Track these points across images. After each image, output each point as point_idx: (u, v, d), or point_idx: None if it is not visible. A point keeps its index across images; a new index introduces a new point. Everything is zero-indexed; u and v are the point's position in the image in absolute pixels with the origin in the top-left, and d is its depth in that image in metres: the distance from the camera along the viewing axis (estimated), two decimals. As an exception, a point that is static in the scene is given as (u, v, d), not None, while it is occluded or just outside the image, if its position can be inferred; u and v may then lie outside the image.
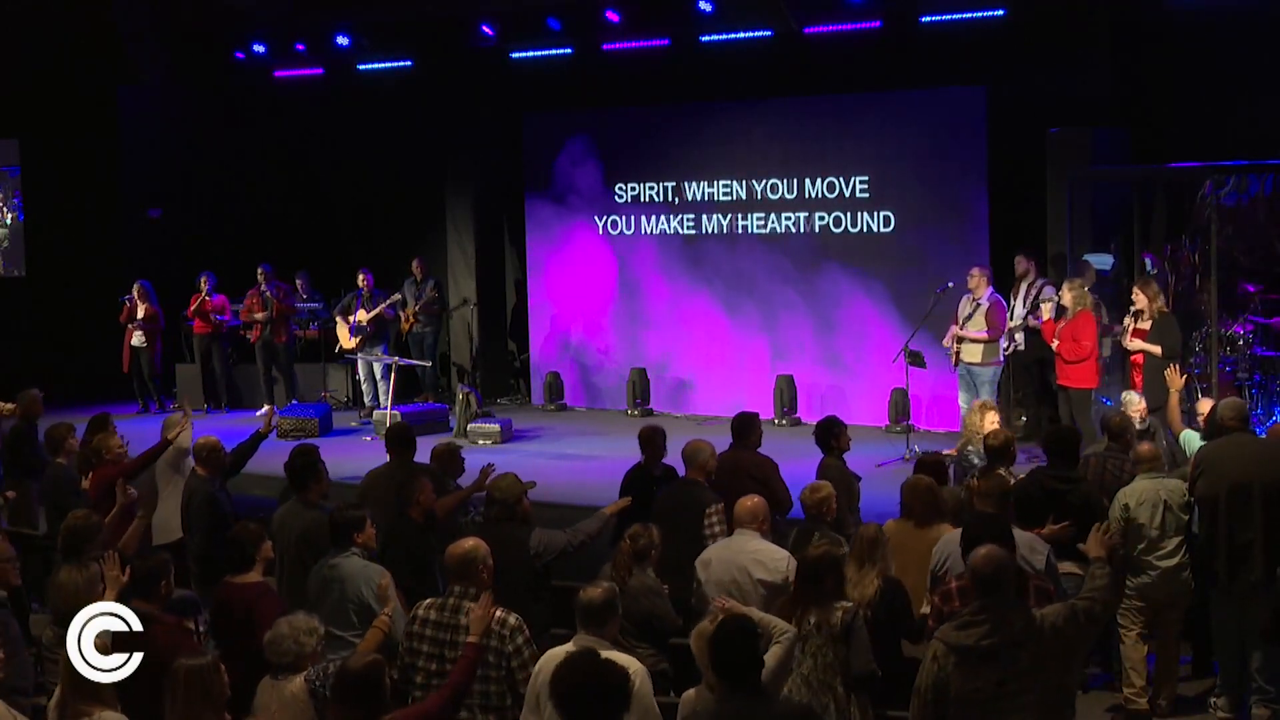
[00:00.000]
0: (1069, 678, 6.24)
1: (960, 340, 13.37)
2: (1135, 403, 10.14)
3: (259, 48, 18.18)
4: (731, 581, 7.47)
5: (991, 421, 9.81)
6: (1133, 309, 11.94)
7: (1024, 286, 13.59)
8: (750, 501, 7.76)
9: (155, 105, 19.12)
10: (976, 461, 9.54)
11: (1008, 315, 13.54)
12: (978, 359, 13.34)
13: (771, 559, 7.49)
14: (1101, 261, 13.58)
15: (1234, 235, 12.83)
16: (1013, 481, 8.76)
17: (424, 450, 9.81)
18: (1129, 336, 11.88)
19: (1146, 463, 8.51)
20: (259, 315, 16.88)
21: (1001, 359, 13.49)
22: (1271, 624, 7.62)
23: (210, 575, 8.51)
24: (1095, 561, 6.33)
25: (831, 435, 9.50)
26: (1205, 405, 9.95)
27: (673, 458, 9.25)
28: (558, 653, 6.07)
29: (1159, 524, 8.32)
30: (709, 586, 7.56)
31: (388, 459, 9.66)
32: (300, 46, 18.03)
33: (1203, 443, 9.03)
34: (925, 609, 7.25)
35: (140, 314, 17.11)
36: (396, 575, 7.33)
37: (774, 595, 7.30)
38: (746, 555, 7.52)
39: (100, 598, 6.78)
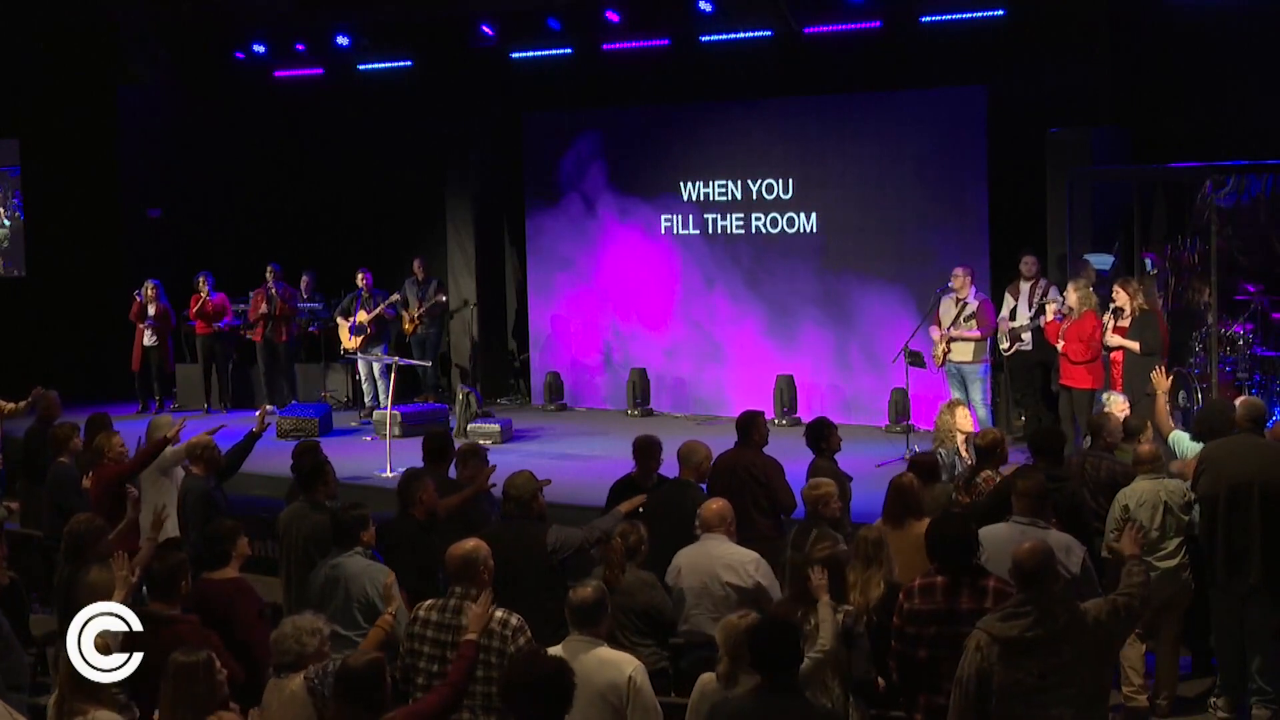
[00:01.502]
0: (1106, 672, 6.29)
1: (950, 340, 13.39)
2: (1118, 402, 10.13)
3: (259, 48, 18.18)
4: (702, 587, 7.49)
5: (963, 418, 9.79)
6: (1113, 306, 11.99)
7: (1027, 287, 13.57)
8: (716, 504, 7.77)
9: (155, 105, 19.11)
10: (947, 460, 9.53)
11: (1007, 315, 13.55)
12: (968, 357, 13.39)
13: (740, 563, 7.51)
14: (1101, 261, 13.58)
15: (1234, 235, 12.83)
16: (995, 483, 8.79)
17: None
18: (1109, 333, 11.91)
19: (1147, 463, 8.50)
20: (262, 309, 16.88)
21: (988, 357, 13.52)
22: None
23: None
24: (1130, 559, 6.40)
25: (822, 437, 9.48)
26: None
27: (669, 459, 9.22)
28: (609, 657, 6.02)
29: (1159, 525, 8.31)
30: (681, 593, 7.56)
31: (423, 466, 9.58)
32: (300, 46, 18.03)
33: (1193, 443, 9.05)
34: None
35: (152, 312, 17.12)
36: (400, 575, 7.33)
37: (744, 599, 7.32)
38: (715, 560, 7.53)
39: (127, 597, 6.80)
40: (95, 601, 6.76)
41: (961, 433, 9.75)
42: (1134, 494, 8.39)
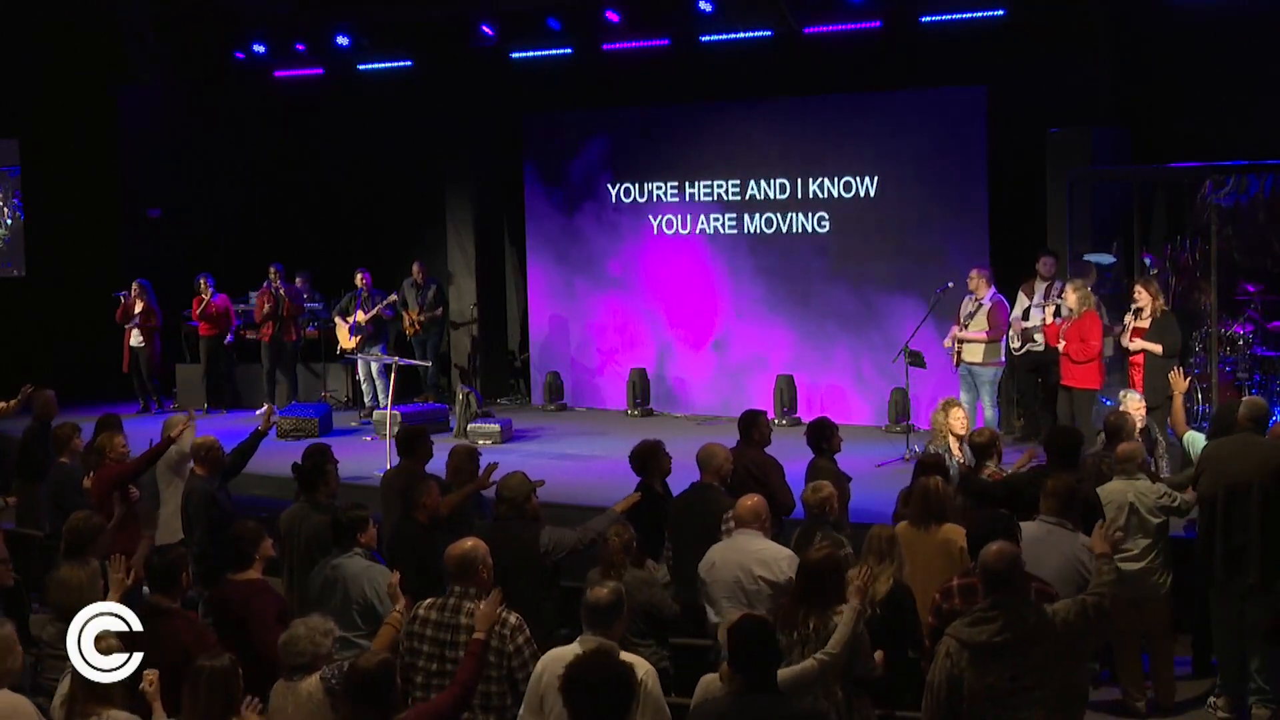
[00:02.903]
0: (1080, 673, 6.27)
1: (962, 341, 13.38)
2: (1135, 401, 10.10)
3: (259, 48, 18.16)
4: (735, 582, 7.46)
5: (958, 418, 9.77)
6: (1134, 306, 11.90)
7: (1044, 288, 13.50)
8: (751, 500, 7.74)
9: (155, 105, 19.11)
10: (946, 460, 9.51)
11: (1020, 315, 13.52)
12: (979, 359, 13.34)
13: (774, 558, 7.48)
14: (1103, 262, 13.58)
15: (1234, 235, 12.83)
16: (1003, 476, 8.80)
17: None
18: (1129, 335, 11.85)
19: (1122, 463, 8.49)
20: (266, 309, 16.85)
21: (1002, 359, 13.50)
22: (1272, 626, 7.63)
23: (210, 574, 8.53)
24: (1101, 558, 6.37)
25: (823, 437, 9.47)
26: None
27: (677, 461, 9.22)
28: (560, 653, 6.08)
29: (1123, 525, 8.25)
30: (714, 587, 7.56)
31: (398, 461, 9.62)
32: (300, 46, 18.02)
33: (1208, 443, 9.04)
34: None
35: (136, 311, 17.10)
36: (404, 578, 7.30)
37: (778, 594, 7.30)
38: (749, 555, 7.50)
39: (100, 595, 6.79)
40: (66, 597, 6.78)
41: (954, 434, 9.72)
42: (1103, 492, 8.39)
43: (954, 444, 9.64)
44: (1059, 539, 7.11)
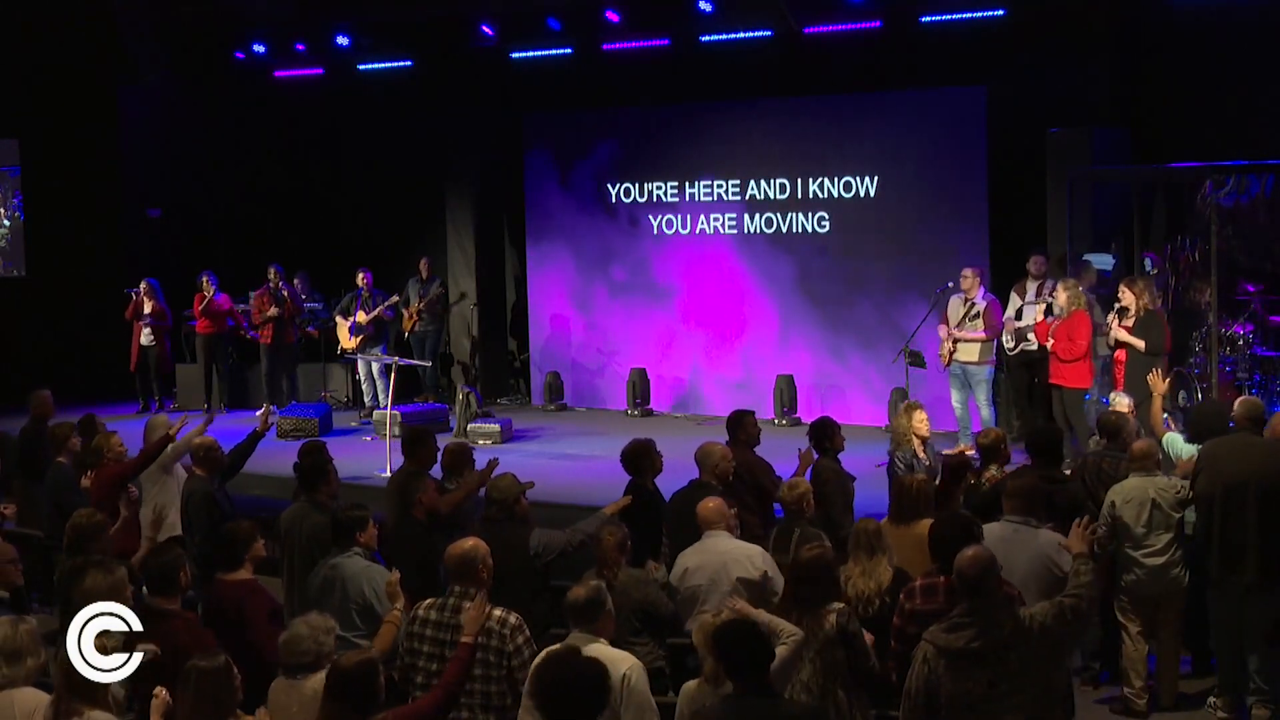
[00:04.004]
0: (1059, 675, 6.24)
1: (956, 340, 13.39)
2: (1123, 403, 10.12)
3: (259, 48, 18.18)
4: (711, 584, 7.47)
5: (920, 421, 9.76)
6: (1118, 306, 11.93)
7: (1034, 287, 13.52)
8: (712, 502, 7.76)
9: (155, 105, 19.13)
10: (905, 462, 9.51)
11: (1013, 315, 13.53)
12: (974, 358, 13.35)
13: (747, 556, 7.51)
14: (1102, 262, 13.58)
15: (1234, 235, 12.82)
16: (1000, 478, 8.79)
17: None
18: (1116, 329, 11.84)
19: (1139, 460, 8.49)
20: (272, 312, 16.84)
21: (994, 358, 13.51)
22: (1274, 628, 7.62)
23: (211, 575, 8.52)
24: (1078, 558, 6.33)
25: (825, 436, 9.46)
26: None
27: (669, 461, 9.21)
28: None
29: (1145, 521, 8.30)
30: (692, 593, 7.54)
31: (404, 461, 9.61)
32: (300, 46, 18.04)
33: (1187, 445, 9.04)
34: None
35: (148, 310, 17.13)
36: (403, 577, 7.31)
37: (754, 593, 7.31)
38: (723, 556, 7.52)
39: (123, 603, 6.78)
40: (87, 603, 6.75)
41: (918, 436, 9.70)
42: (1122, 490, 8.40)
43: (919, 446, 9.62)
44: (1025, 538, 7.11)
